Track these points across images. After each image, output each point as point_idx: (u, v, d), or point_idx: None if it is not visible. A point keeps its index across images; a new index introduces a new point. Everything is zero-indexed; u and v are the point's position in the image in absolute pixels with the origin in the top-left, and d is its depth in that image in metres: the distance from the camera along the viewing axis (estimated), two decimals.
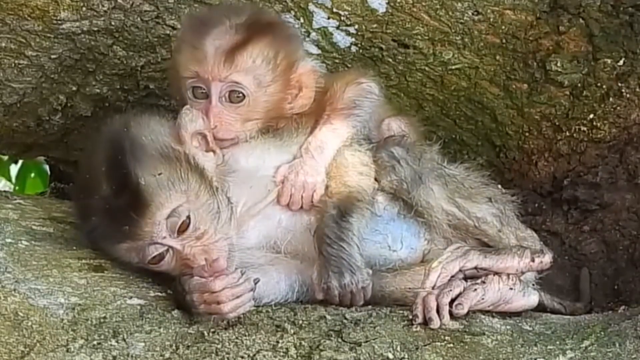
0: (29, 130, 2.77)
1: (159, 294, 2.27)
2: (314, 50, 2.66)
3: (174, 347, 2.15)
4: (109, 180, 2.19)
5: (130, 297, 2.23)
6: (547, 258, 2.37)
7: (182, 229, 2.21)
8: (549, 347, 2.21)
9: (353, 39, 2.67)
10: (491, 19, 2.66)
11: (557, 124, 2.77)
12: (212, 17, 2.40)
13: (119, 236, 2.20)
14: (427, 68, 2.71)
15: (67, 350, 2.11)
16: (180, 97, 2.41)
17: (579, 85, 2.73)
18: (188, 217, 2.21)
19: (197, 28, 2.38)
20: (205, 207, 2.24)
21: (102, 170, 2.20)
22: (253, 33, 2.36)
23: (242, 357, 2.15)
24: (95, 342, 2.13)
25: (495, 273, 2.31)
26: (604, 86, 2.73)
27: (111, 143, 2.23)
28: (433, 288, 2.28)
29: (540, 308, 2.40)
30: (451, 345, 2.19)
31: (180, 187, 2.22)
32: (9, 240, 2.31)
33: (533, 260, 2.34)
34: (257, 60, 2.36)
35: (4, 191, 2.81)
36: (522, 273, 2.34)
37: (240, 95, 2.36)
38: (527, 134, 2.80)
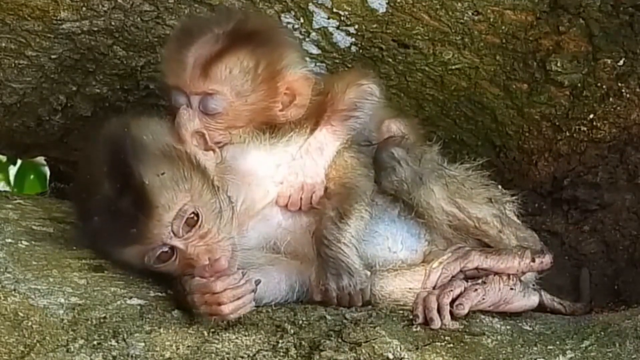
0: (29, 130, 2.77)
1: (159, 294, 2.26)
2: (314, 50, 2.66)
3: (174, 347, 2.15)
4: (111, 180, 2.17)
5: (130, 297, 2.23)
6: (547, 258, 2.38)
7: (189, 226, 2.21)
8: (549, 347, 2.21)
9: (353, 39, 2.66)
10: (491, 19, 2.66)
11: (557, 124, 2.77)
12: (200, 26, 2.39)
13: (126, 239, 2.18)
14: (427, 68, 2.71)
15: (67, 350, 2.11)
16: (169, 100, 2.41)
17: (579, 85, 2.72)
18: (195, 214, 2.21)
19: (181, 38, 2.38)
20: (208, 206, 2.23)
21: (103, 170, 2.19)
22: (232, 43, 2.35)
23: (242, 357, 2.15)
24: (95, 342, 2.13)
25: (496, 273, 2.32)
26: (604, 86, 2.73)
27: (112, 143, 2.22)
28: (434, 288, 2.28)
29: (540, 308, 2.40)
30: (451, 345, 2.19)
31: (184, 186, 2.21)
32: (9, 240, 2.30)
33: (534, 261, 2.35)
34: (234, 70, 2.35)
35: (4, 191, 2.82)
36: (523, 273, 2.35)
37: (218, 106, 2.36)
38: (527, 134, 2.80)
